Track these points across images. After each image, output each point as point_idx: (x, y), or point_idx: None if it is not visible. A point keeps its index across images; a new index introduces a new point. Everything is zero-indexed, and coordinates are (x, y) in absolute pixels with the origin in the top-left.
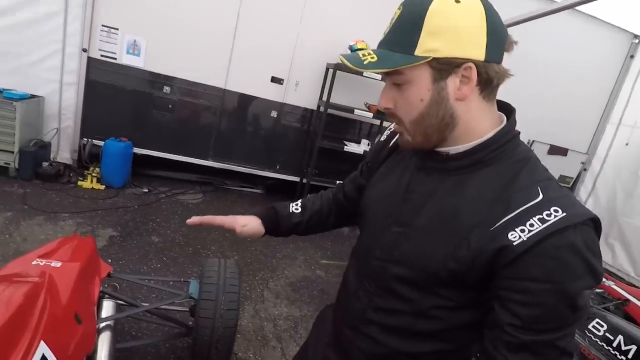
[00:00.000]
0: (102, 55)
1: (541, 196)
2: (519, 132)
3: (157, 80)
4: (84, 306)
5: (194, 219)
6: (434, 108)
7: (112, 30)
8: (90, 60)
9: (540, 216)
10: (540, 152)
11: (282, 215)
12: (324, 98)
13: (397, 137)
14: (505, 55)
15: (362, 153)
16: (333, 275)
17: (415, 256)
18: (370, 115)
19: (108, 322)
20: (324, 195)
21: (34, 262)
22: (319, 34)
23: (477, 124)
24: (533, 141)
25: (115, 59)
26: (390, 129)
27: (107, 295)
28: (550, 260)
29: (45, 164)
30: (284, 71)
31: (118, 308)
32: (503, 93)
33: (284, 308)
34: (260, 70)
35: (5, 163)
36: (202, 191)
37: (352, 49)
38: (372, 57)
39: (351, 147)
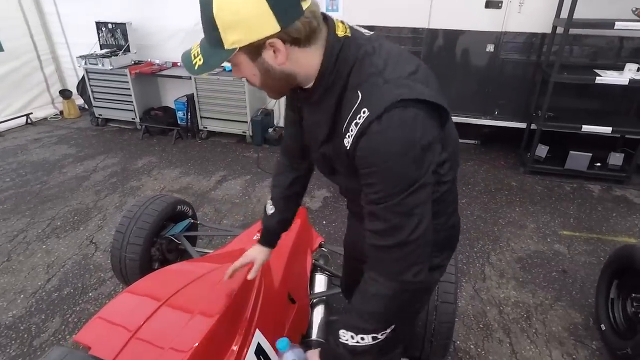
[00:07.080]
0: None
1: (359, 98)
2: (345, 37)
3: None
4: (297, 283)
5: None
6: (266, 76)
7: None
8: None
9: (356, 120)
10: None
11: (267, 226)
12: (563, 14)
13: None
14: None
15: (627, 83)
16: (579, 253)
17: (325, 161)
18: None
19: (321, 297)
20: (277, 174)
21: (255, 237)
22: None
23: (309, 67)
24: None
25: None
26: None
27: (319, 269)
28: (369, 153)
29: (270, 129)
30: None
31: (330, 282)
32: None
33: (512, 291)
34: None
35: (243, 132)
36: None
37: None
38: (200, 60)
39: (607, 77)
